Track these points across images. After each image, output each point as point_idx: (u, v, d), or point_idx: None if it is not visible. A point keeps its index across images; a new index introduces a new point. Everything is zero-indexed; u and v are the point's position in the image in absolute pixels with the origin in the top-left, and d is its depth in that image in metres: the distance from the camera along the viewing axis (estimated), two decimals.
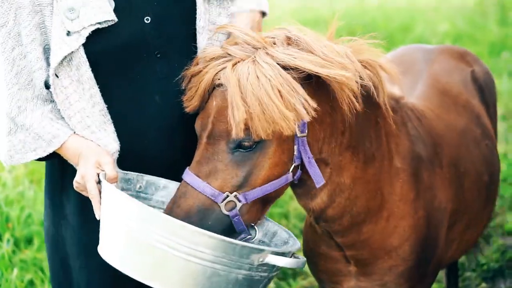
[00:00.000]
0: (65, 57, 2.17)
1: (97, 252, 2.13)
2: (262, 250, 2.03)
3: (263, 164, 2.13)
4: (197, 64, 2.24)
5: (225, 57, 2.17)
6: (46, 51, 2.22)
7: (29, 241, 4.71)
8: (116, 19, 2.20)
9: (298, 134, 2.15)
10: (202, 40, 2.34)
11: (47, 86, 2.22)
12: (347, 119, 2.27)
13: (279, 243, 2.38)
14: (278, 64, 2.09)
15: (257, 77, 2.06)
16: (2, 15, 2.16)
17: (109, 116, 2.26)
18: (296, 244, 2.30)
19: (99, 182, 2.13)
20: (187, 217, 2.08)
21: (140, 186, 2.34)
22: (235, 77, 2.08)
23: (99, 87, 2.23)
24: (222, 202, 2.11)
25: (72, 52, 2.17)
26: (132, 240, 2.00)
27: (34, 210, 4.96)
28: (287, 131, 2.07)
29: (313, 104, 2.10)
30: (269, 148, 2.13)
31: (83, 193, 2.21)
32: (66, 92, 2.21)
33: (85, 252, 2.40)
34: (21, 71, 2.20)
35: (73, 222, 2.41)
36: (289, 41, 2.18)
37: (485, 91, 3.47)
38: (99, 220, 2.14)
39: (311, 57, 2.12)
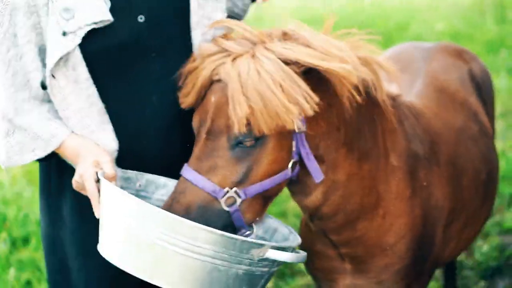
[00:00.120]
0: (61, 57, 2.16)
1: (96, 252, 2.12)
2: (262, 245, 2.03)
3: (262, 160, 2.12)
4: (194, 61, 2.23)
5: (222, 52, 2.16)
6: (42, 51, 2.21)
7: (26, 241, 4.70)
8: (112, 19, 2.19)
9: (297, 130, 2.14)
10: (196, 36, 2.33)
11: (43, 86, 2.21)
12: (342, 116, 2.26)
13: (280, 239, 2.38)
14: (278, 58, 2.07)
15: (258, 71, 2.04)
16: None
17: (107, 116, 2.25)
18: (297, 239, 2.30)
19: (98, 181, 2.12)
20: (187, 213, 2.07)
21: (140, 185, 2.34)
22: (235, 72, 2.06)
23: (96, 88, 2.22)
24: (222, 198, 2.10)
25: (68, 52, 2.16)
26: (132, 237, 1.99)
27: (31, 210, 4.96)
28: (291, 125, 2.07)
29: (315, 98, 2.09)
30: (268, 144, 2.12)
31: (82, 192, 2.20)
32: (64, 92, 2.20)
33: (83, 252, 2.39)
34: (17, 72, 2.19)
35: (70, 223, 2.40)
36: (285, 36, 2.17)
37: (483, 88, 3.47)
38: (97, 220, 2.13)
39: (309, 51, 2.11)
